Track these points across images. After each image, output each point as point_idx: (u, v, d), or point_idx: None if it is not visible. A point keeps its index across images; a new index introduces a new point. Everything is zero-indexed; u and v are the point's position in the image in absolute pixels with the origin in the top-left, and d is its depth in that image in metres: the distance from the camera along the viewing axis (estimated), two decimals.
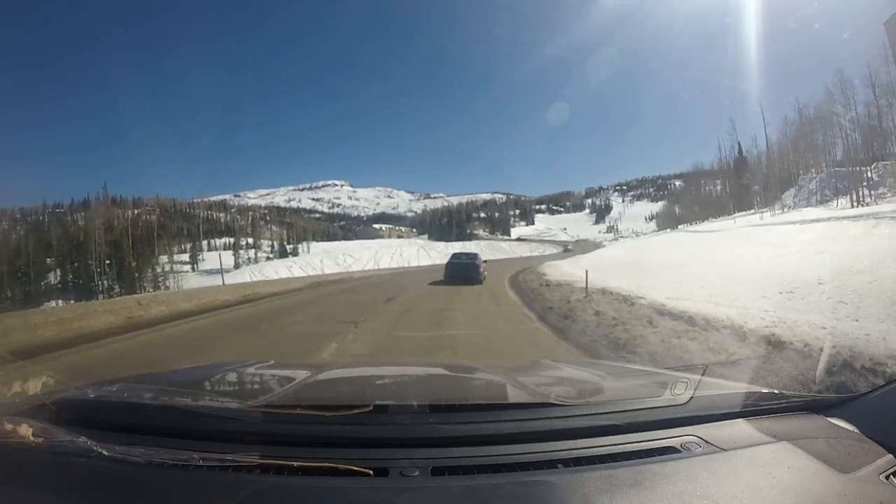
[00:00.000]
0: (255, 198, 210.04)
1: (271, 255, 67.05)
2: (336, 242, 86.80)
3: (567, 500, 0.86)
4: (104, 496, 0.91)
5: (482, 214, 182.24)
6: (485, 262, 19.28)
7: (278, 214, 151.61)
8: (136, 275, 47.95)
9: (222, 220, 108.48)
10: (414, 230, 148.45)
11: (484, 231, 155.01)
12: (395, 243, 58.30)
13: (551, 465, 0.97)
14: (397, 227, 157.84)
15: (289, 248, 71.19)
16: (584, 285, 10.47)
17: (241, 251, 64.48)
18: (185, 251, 70.35)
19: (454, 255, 20.06)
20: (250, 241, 76.83)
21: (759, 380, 3.46)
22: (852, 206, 23.17)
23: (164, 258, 58.89)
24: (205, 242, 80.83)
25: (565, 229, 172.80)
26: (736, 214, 40.32)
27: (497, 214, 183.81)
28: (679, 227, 54.37)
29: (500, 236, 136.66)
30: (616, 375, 1.94)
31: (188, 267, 61.36)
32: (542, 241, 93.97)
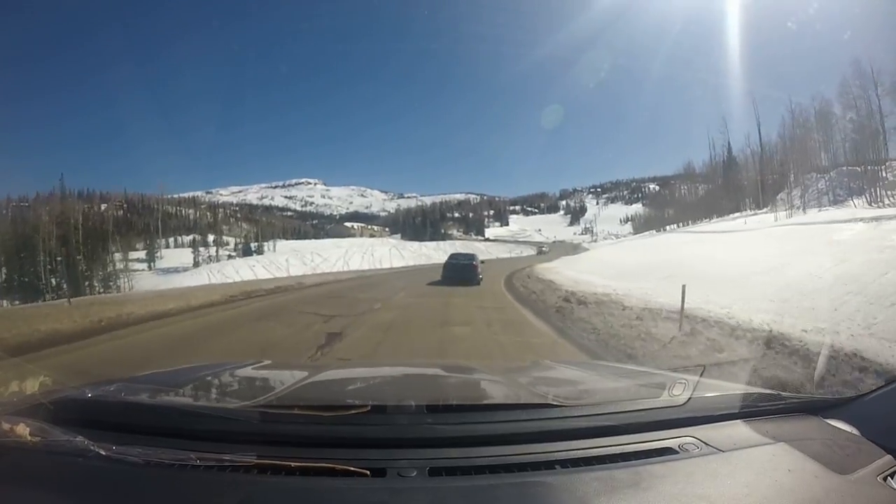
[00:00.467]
0: (227, 195, 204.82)
1: (234, 254, 63.49)
2: (305, 241, 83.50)
3: (565, 501, 0.86)
4: (102, 496, 0.91)
5: (456, 214, 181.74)
6: (482, 262, 19.70)
7: (250, 212, 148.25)
8: (87, 273, 44.08)
9: (191, 216, 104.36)
10: (387, 229, 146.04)
11: (458, 231, 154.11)
12: (367, 242, 55.44)
13: (549, 465, 0.97)
14: (370, 227, 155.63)
15: (253, 245, 67.26)
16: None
17: (202, 249, 60.53)
18: (150, 248, 66.34)
19: (452, 256, 19.87)
20: (222, 238, 73.20)
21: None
22: (871, 206, 21.93)
23: (122, 256, 54.63)
24: (171, 239, 77.79)
25: (540, 230, 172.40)
26: (735, 215, 38.89)
27: (471, 215, 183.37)
28: (668, 228, 53.65)
29: (474, 237, 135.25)
30: (614, 376, 1.94)
31: (144, 265, 57.42)
32: (519, 242, 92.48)
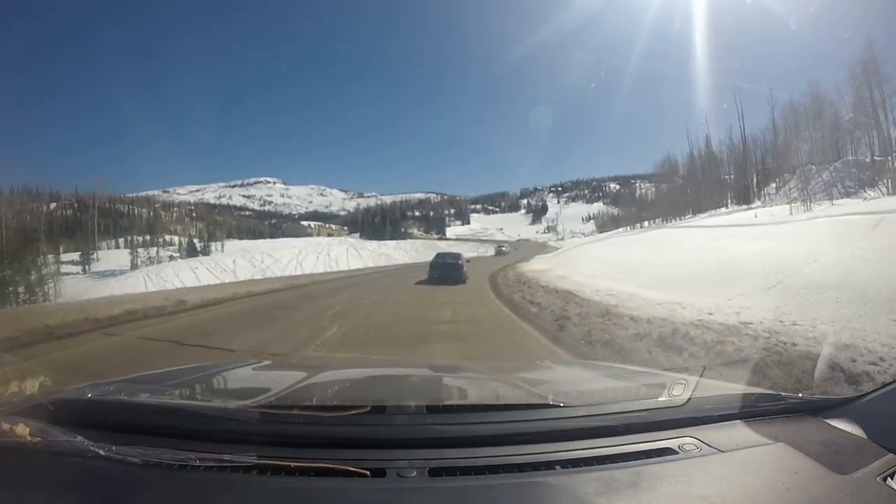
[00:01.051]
0: (185, 194, 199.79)
1: (176, 255, 58.74)
2: (259, 240, 78.87)
3: (565, 501, 0.87)
4: (101, 496, 0.90)
5: (416, 213, 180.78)
6: (468, 260, 20.16)
7: (205, 211, 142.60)
8: (10, 277, 39.50)
9: (143, 216, 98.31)
10: (345, 228, 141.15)
11: (419, 230, 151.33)
12: (323, 242, 51.94)
13: (549, 466, 0.98)
14: (328, 225, 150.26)
15: (199, 245, 62.24)
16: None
17: (141, 250, 55.62)
18: (95, 249, 61.68)
19: (438, 255, 20.18)
20: (167, 238, 68.23)
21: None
22: (889, 195, 20.22)
23: (55, 259, 49.65)
24: (122, 240, 71.89)
25: (501, 229, 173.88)
26: (721, 210, 37.27)
27: (432, 213, 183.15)
28: (646, 224, 52.35)
29: (435, 236, 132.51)
30: (614, 376, 1.93)
31: (79, 268, 52.60)
32: (482, 241, 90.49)
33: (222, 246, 65.05)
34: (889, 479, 0.94)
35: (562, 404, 1.18)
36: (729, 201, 42.21)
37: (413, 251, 54.29)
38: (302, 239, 73.50)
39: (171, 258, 55.84)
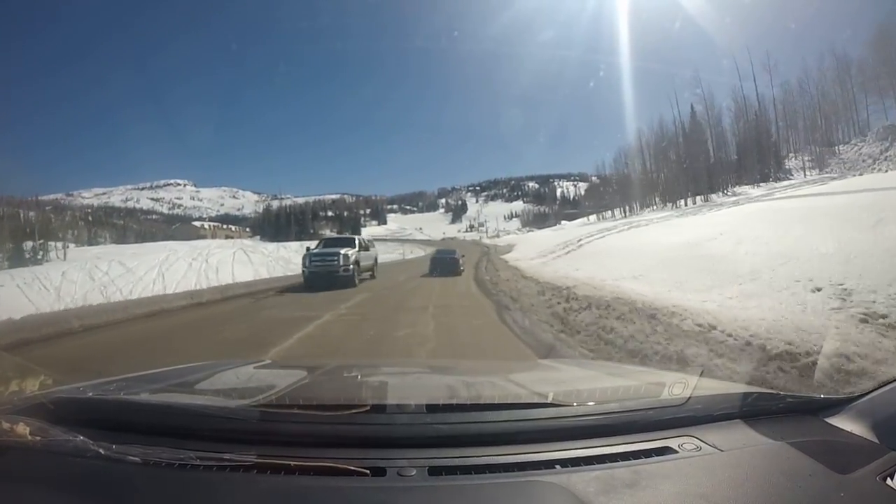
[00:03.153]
0: (90, 197, 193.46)
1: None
2: (126, 245, 63.54)
3: (565, 500, 0.86)
4: (101, 495, 0.90)
5: (330, 213, 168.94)
6: (463, 256, 23.40)
7: (105, 214, 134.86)
8: None
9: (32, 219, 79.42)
10: (248, 230, 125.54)
11: (331, 231, 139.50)
12: (204, 245, 40.21)
13: (549, 465, 0.97)
14: (226, 227, 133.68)
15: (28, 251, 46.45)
16: None
17: None
18: None
19: (437, 251, 24.25)
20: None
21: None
22: None
23: None
24: None
25: (421, 229, 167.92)
26: (717, 196, 34.11)
27: (346, 213, 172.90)
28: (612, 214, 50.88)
29: (348, 236, 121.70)
30: (614, 375, 1.93)
31: None
32: (402, 241, 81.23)
33: (64, 253, 49.11)
34: (889, 478, 0.93)
35: (562, 403, 1.18)
36: (729, 183, 38.34)
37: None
38: (180, 242, 58.13)
39: None
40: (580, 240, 24.60)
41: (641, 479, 0.91)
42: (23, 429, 0.99)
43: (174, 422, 1.11)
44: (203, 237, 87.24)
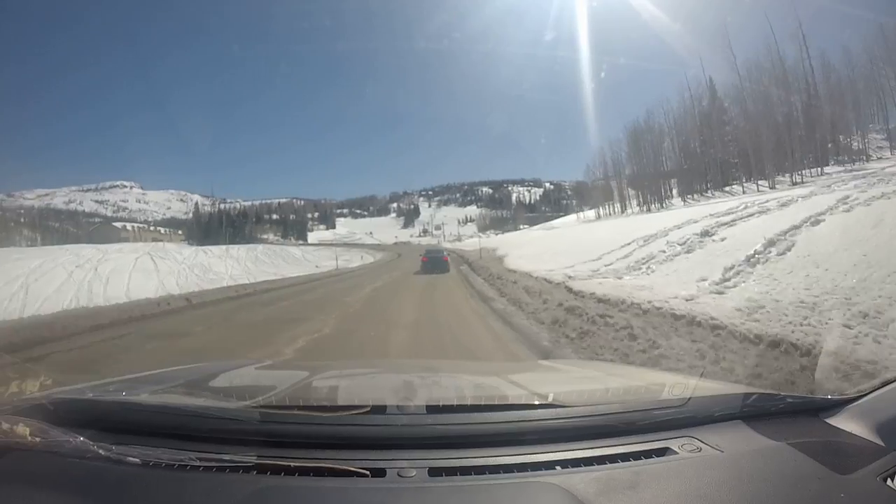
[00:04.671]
0: (32, 198, 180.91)
1: None
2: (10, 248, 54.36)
3: (564, 501, 0.86)
4: (102, 496, 0.91)
5: (275, 217, 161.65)
6: (447, 254, 26.54)
7: (40, 216, 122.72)
8: None
9: None
10: (180, 232, 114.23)
11: (275, 235, 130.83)
12: (111, 249, 32.65)
13: (549, 466, 0.98)
14: (154, 228, 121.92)
15: None
16: None
17: None
18: None
19: (427, 252, 25.29)
20: None
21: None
22: None
23: None
24: None
25: (371, 233, 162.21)
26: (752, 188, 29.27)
27: (293, 217, 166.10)
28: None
29: (294, 241, 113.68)
30: (614, 376, 1.92)
31: None
32: (350, 246, 74.45)
33: None
34: (889, 479, 0.93)
35: (562, 404, 1.17)
36: (768, 171, 32.26)
37: (250, 261, 32.46)
38: (83, 246, 48.14)
39: None
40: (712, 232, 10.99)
41: (642, 480, 0.91)
42: (23, 430, 0.99)
43: (174, 423, 1.10)
44: (126, 240, 76.99)
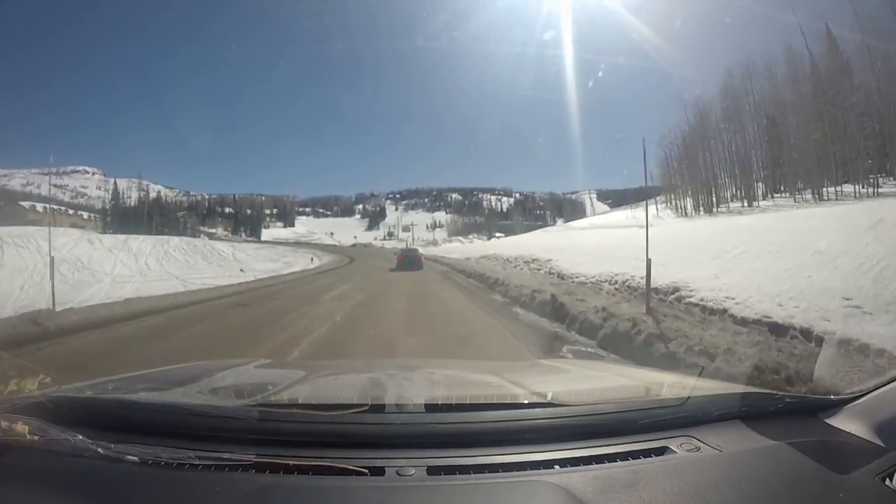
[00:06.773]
0: None
1: None
2: None
3: (563, 500, 0.86)
4: (100, 495, 0.90)
5: (229, 210, 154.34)
6: (422, 253, 28.64)
7: None
8: None
9: None
10: (109, 219, 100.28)
11: (224, 230, 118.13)
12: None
13: (548, 465, 0.97)
14: (72, 212, 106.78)
15: None
16: None
17: None
18: None
19: (404, 251, 27.30)
20: None
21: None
22: None
23: None
24: None
25: (332, 233, 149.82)
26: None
27: (249, 211, 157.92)
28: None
29: (244, 237, 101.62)
30: (613, 376, 1.92)
31: None
32: (301, 245, 63.55)
33: None
34: (888, 478, 0.93)
35: (561, 403, 1.17)
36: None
37: (155, 258, 22.86)
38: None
39: None
40: None
41: (640, 480, 0.91)
42: (21, 428, 0.98)
43: (173, 421, 1.10)
44: (34, 223, 63.17)
